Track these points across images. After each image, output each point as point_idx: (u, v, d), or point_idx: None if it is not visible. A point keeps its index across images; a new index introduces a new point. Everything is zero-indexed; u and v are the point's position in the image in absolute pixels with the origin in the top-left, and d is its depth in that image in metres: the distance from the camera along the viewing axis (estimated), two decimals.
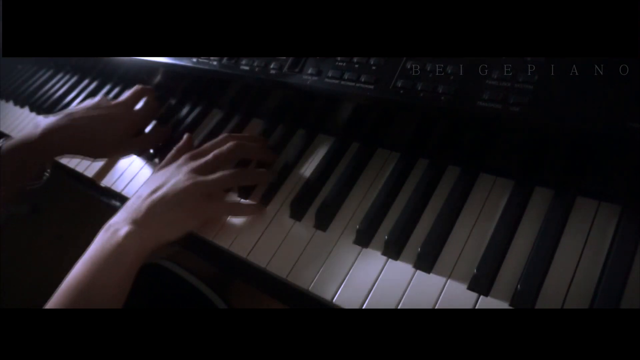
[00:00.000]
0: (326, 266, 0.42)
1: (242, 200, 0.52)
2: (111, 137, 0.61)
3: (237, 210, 0.50)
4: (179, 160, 0.52)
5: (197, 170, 0.49)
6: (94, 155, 0.63)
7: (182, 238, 0.48)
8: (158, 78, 0.72)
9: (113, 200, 0.62)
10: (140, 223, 0.45)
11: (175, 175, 0.49)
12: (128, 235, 0.44)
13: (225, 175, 0.48)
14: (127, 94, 0.66)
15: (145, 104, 0.67)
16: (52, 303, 0.42)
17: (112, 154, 0.64)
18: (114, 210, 0.48)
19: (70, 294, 0.42)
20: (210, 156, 0.50)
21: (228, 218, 0.50)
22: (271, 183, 0.51)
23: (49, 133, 0.58)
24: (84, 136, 0.60)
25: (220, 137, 0.54)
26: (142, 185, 0.51)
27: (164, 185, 0.47)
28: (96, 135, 0.60)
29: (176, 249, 0.73)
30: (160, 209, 0.46)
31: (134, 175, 0.62)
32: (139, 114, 0.65)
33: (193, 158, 0.51)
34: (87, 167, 0.68)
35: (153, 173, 0.53)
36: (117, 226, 0.45)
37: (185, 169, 0.49)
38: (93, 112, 0.61)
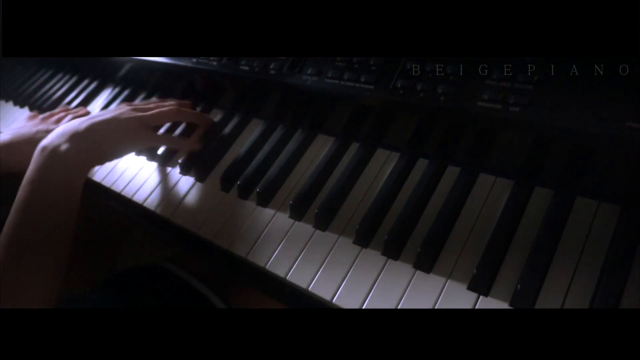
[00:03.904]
0: (326, 266, 0.42)
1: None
2: None
3: (172, 142, 0.56)
4: (120, 105, 0.56)
5: (138, 111, 0.54)
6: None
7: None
8: (158, 78, 0.73)
9: (113, 200, 0.62)
10: (80, 140, 0.47)
11: (117, 110, 0.53)
12: (69, 151, 0.46)
13: (163, 111, 0.54)
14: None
15: None
16: (4, 231, 0.43)
17: None
18: (113, 210, 0.48)
19: (20, 215, 0.43)
20: (151, 105, 0.56)
21: (227, 217, 0.50)
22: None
23: None
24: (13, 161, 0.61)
25: (155, 100, 0.60)
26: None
27: (105, 114, 0.52)
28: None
29: (176, 250, 0.73)
30: (101, 129, 0.50)
31: (133, 175, 0.62)
32: None
33: (134, 108, 0.56)
34: None
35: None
36: (55, 144, 0.47)
37: (127, 107, 0.54)
38: (19, 136, 0.62)
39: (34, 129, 0.63)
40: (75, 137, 0.47)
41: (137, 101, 0.75)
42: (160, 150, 0.62)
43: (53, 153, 0.46)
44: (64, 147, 0.46)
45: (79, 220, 0.49)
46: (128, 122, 0.52)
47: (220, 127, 0.62)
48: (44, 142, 0.48)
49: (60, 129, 0.49)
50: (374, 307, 0.38)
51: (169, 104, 0.58)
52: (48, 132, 0.62)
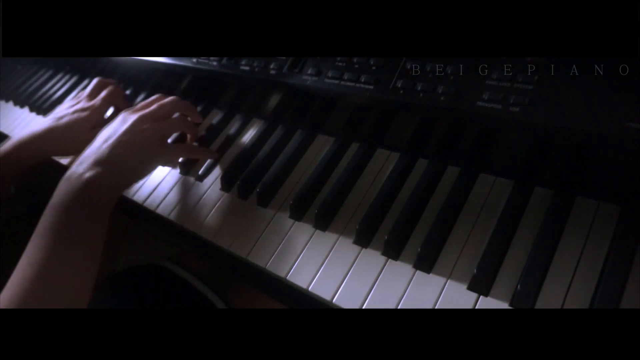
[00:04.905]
0: (326, 266, 0.42)
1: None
2: (80, 139, 0.61)
3: (195, 152, 0.56)
4: (120, 115, 0.53)
5: (147, 117, 0.51)
6: (67, 154, 0.66)
7: (178, 237, 0.47)
8: (158, 78, 0.73)
9: None
10: (105, 165, 0.46)
11: (126, 122, 0.50)
12: (97, 176, 0.44)
13: (175, 120, 0.54)
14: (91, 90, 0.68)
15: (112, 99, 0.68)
16: (24, 257, 0.41)
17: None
18: (113, 210, 0.48)
19: (44, 242, 0.41)
20: (155, 106, 0.53)
21: (227, 217, 0.50)
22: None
23: (17, 149, 0.61)
24: (52, 146, 0.63)
25: (154, 96, 0.57)
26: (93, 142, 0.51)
27: (118, 132, 0.49)
28: (65, 142, 0.63)
29: (176, 250, 0.73)
30: (122, 150, 0.47)
31: None
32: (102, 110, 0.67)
33: (136, 111, 0.53)
34: None
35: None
36: (80, 172, 0.45)
37: (135, 116, 0.51)
38: (60, 122, 0.63)
39: (71, 110, 0.65)
40: (99, 165, 0.46)
41: (137, 101, 0.75)
42: None
43: (77, 182, 0.44)
44: (87, 175, 0.44)
45: None
46: (149, 140, 0.50)
47: (220, 127, 0.62)
48: (69, 172, 0.46)
49: (83, 156, 0.48)
50: (374, 307, 0.38)
51: (170, 100, 0.55)
52: (84, 110, 0.64)
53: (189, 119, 0.59)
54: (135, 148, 0.48)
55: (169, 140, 0.58)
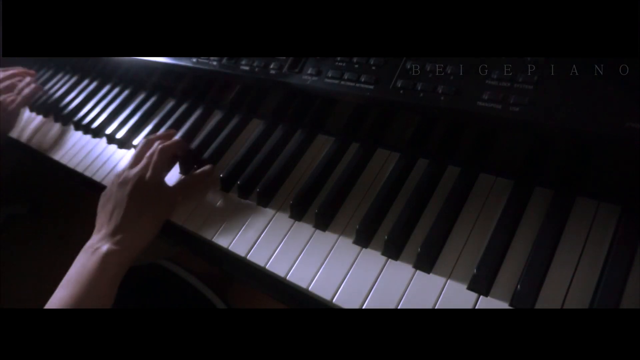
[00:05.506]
0: (326, 266, 0.42)
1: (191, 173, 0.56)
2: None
3: (189, 182, 0.55)
4: (120, 177, 0.53)
5: (139, 176, 0.52)
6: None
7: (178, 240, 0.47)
8: (158, 78, 0.73)
9: None
10: (118, 239, 0.48)
11: (127, 184, 0.51)
12: (109, 251, 0.47)
13: (155, 160, 0.53)
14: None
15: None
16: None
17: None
18: None
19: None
20: (143, 162, 0.53)
21: (228, 217, 0.50)
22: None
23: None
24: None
25: (141, 142, 0.57)
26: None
27: (124, 196, 0.50)
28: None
29: (176, 249, 0.73)
30: (133, 219, 0.49)
31: None
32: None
33: (131, 167, 0.54)
34: (87, 167, 0.68)
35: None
36: (97, 245, 0.48)
37: (133, 173, 0.52)
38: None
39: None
40: (114, 240, 0.48)
41: (137, 101, 0.75)
42: None
43: (95, 254, 0.47)
44: (103, 248, 0.47)
45: (78, 220, 0.49)
46: (153, 196, 0.51)
47: (220, 127, 0.62)
48: (87, 244, 0.49)
49: (97, 227, 0.50)
50: (374, 307, 0.38)
51: (154, 147, 0.55)
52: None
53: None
54: (143, 213, 0.50)
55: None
